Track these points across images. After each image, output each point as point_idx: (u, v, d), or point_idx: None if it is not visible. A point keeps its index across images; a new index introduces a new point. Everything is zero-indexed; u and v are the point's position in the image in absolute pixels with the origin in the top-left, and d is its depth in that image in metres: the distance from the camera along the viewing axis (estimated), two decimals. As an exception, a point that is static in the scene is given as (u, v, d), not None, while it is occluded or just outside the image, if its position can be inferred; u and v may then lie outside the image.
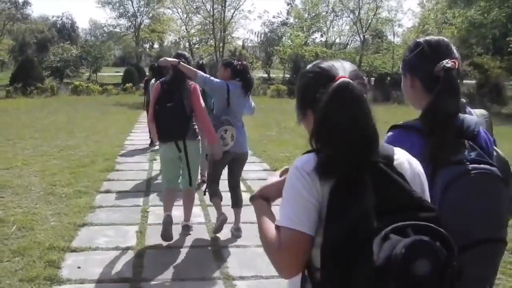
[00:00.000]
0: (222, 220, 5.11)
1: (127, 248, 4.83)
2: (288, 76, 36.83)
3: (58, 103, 22.79)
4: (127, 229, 5.38)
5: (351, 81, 1.39)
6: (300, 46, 38.03)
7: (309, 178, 1.38)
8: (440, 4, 44.26)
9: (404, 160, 1.50)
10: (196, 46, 48.02)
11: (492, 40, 30.39)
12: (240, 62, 5.20)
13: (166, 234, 4.88)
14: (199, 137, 5.19)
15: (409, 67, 2.01)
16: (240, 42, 50.03)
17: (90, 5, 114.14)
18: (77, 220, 5.58)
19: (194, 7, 34.59)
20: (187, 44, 57.02)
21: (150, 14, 47.29)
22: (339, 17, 49.35)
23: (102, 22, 50.84)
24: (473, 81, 49.61)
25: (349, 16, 43.72)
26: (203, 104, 4.94)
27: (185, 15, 51.23)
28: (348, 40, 51.96)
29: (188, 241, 5.15)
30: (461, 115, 1.86)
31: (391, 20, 43.18)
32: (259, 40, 51.12)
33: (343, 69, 1.48)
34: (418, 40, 2.01)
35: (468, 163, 1.70)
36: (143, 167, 8.85)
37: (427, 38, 2.00)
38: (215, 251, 4.90)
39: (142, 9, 46.28)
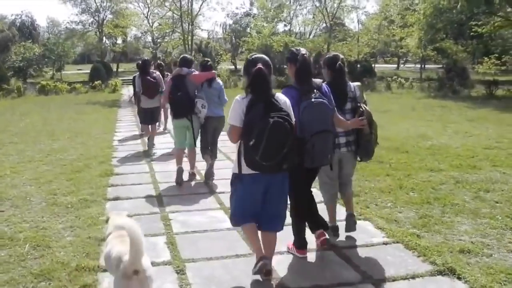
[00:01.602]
0: (210, 167, 7.46)
1: (164, 263, 4.38)
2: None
3: (27, 104, 21.81)
4: (154, 241, 4.90)
5: (262, 67, 3.80)
6: (268, 36, 37.69)
7: (241, 101, 3.82)
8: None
9: (282, 97, 3.90)
10: (166, 39, 47.04)
11: (458, 25, 30.68)
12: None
13: (178, 179, 7.29)
14: (198, 115, 7.28)
15: (289, 59, 4.39)
16: (205, 35, 49.35)
17: (48, 2, 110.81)
18: (96, 234, 5.08)
19: (161, 0, 33.62)
20: (150, 38, 56.04)
21: (113, 9, 45.92)
22: (302, 6, 49.30)
23: (62, 19, 49.35)
24: (435, 66, 50.64)
25: (314, 5, 43.49)
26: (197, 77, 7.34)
27: (147, 9, 50.42)
28: (312, 29, 51.94)
29: (222, 248, 4.73)
30: (315, 80, 4.35)
31: (356, 7, 43.24)
32: (224, 32, 50.48)
33: (260, 59, 3.94)
34: (291, 49, 4.55)
35: (313, 99, 4.13)
36: (143, 169, 8.35)
37: (295, 48, 4.63)
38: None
39: (104, 4, 44.89)
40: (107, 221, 3.90)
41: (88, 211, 5.88)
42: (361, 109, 4.72)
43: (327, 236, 4.70)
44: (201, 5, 33.49)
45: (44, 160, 9.15)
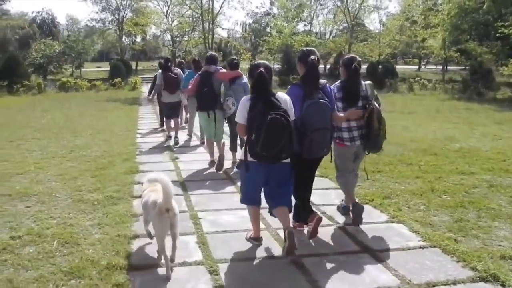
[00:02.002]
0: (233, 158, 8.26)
1: (196, 263, 4.25)
2: (279, 67, 36.20)
3: (48, 101, 21.89)
4: (185, 240, 4.78)
5: (263, 71, 4.39)
6: (289, 36, 37.49)
7: (245, 103, 4.38)
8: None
9: (282, 96, 4.41)
10: (185, 38, 47.08)
11: (484, 26, 30.17)
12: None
13: (219, 167, 7.93)
14: (227, 111, 7.71)
15: (300, 58, 4.87)
16: (225, 34, 49.30)
17: (68, 1, 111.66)
18: (125, 231, 4.99)
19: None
20: (169, 36, 56.18)
21: (133, 7, 46.05)
22: (323, 6, 48.98)
23: (81, 17, 49.71)
24: (458, 67, 49.92)
25: (335, 4, 43.16)
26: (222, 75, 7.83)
27: (166, 8, 50.54)
28: (332, 29, 51.60)
29: (254, 249, 4.61)
30: (321, 80, 4.74)
31: (378, 8, 42.84)
32: (244, 31, 50.40)
33: (262, 64, 4.58)
34: (302, 49, 5.02)
35: (316, 99, 4.53)
36: (167, 166, 8.24)
37: (306, 48, 5.06)
38: (293, 261, 4.36)
39: (125, 2, 44.99)
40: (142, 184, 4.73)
41: (115, 209, 5.79)
42: (371, 106, 5.09)
43: (304, 230, 5.06)
44: (222, 4, 33.51)
45: (67, 156, 9.10)
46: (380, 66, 30.95)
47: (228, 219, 5.50)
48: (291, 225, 4.71)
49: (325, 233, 5.12)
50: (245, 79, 7.64)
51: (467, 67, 50.43)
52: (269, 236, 4.98)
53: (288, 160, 4.44)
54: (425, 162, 8.57)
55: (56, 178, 7.38)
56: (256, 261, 4.36)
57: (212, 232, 5.02)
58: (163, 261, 4.13)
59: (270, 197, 4.64)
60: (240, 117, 4.42)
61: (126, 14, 45.79)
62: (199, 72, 8.18)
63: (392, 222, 5.51)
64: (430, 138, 11.28)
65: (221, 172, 7.86)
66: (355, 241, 4.91)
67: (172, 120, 10.96)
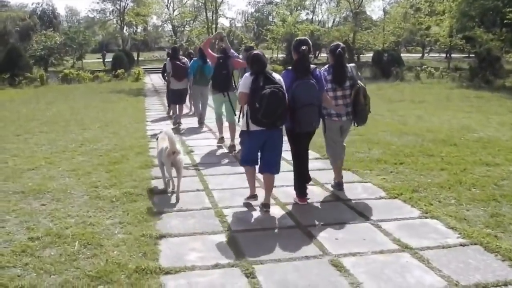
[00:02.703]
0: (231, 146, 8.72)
1: (230, 265, 4.01)
2: (283, 56, 35.82)
3: (51, 93, 21.60)
4: (214, 240, 4.55)
5: (259, 53, 5.48)
6: (292, 25, 37.09)
7: (248, 77, 5.27)
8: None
9: (276, 75, 5.32)
10: (186, 28, 46.60)
11: (494, 13, 29.69)
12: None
13: (220, 142, 9.18)
14: (234, 91, 8.38)
15: (294, 47, 5.61)
16: (227, 23, 48.82)
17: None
18: (150, 231, 4.74)
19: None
20: (170, 26, 55.77)
21: (135, -3, 45.58)
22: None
23: (80, 8, 49.16)
24: (461, 55, 49.49)
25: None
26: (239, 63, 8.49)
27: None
28: (335, 17, 51.11)
29: (288, 248, 4.36)
30: (311, 65, 5.47)
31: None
32: (247, 20, 49.96)
33: (257, 50, 6.10)
34: (296, 39, 5.81)
35: (306, 79, 5.32)
36: (184, 160, 7.98)
37: (299, 38, 5.80)
38: (331, 262, 4.12)
39: (126, -8, 44.52)
40: (156, 138, 6.70)
41: (135, 206, 5.55)
42: (357, 85, 5.90)
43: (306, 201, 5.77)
44: (226, -7, 33.02)
45: (78, 150, 8.85)
46: (386, 55, 30.45)
47: (255, 216, 5.27)
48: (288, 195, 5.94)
49: (358, 230, 4.90)
50: None
51: (471, 55, 50.17)
52: (301, 234, 4.73)
53: (282, 127, 5.41)
54: (446, 153, 8.32)
55: (69, 174, 7.13)
56: (293, 262, 4.11)
57: (241, 231, 4.79)
58: (170, 189, 6.16)
59: (264, 162, 5.48)
60: (244, 87, 5.28)
61: (128, 4, 45.30)
62: (218, 55, 8.85)
63: (425, 217, 5.27)
64: (446, 128, 11.01)
65: (235, 152, 8.43)
66: (391, 239, 4.66)
67: (177, 106, 11.90)
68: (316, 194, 6.11)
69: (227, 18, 45.44)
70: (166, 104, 14.39)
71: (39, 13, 55.93)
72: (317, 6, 48.14)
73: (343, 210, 5.54)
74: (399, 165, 7.59)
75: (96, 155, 8.40)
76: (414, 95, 18.86)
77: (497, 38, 31.81)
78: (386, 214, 5.35)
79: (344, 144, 6.48)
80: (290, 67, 5.60)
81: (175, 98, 11.95)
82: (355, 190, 6.33)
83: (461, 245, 4.51)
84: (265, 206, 5.40)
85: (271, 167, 5.48)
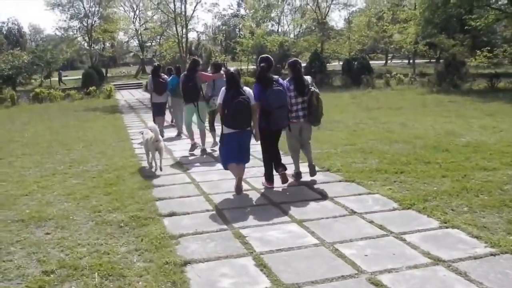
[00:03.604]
0: (213, 140, 10.31)
1: (268, 291, 3.84)
2: (254, 67, 35.79)
3: (24, 113, 20.97)
4: (242, 264, 4.37)
5: (234, 72, 6.76)
6: (261, 36, 37.20)
7: (223, 91, 6.66)
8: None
9: (246, 89, 6.67)
10: (153, 43, 46.17)
11: (458, 20, 30.52)
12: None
13: (191, 150, 10.13)
14: (204, 101, 9.72)
15: (257, 64, 8.43)
16: (195, 36, 48.58)
17: (31, 10, 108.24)
18: (172, 258, 4.51)
19: (156, 3, 32.59)
20: (136, 42, 55.29)
21: (104, 14, 44.80)
22: (290, 6, 48.82)
23: (43, 26, 48.11)
24: (423, 60, 50.50)
25: (306, 3, 43.02)
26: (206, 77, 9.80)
27: (133, 13, 49.54)
28: (300, 28, 51.49)
29: (322, 269, 4.22)
30: (274, 76, 6.90)
31: (348, 5, 43.00)
32: (214, 33, 49.91)
33: (234, 69, 6.94)
34: (260, 56, 7.80)
35: (274, 87, 6.67)
36: (183, 179, 7.78)
37: (261, 56, 7.91)
38: (370, 280, 3.99)
39: (93, 9, 43.74)
40: (141, 133, 8.84)
41: (147, 230, 5.32)
42: (310, 90, 7.08)
43: (287, 173, 7.17)
44: (195, 7, 32.73)
45: (68, 172, 8.53)
46: (355, 63, 30.80)
47: (276, 235, 5.10)
48: (258, 181, 7.38)
49: (384, 244, 4.80)
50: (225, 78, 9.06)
51: (432, 60, 51.32)
52: (330, 253, 4.60)
53: (249, 129, 6.68)
54: (442, 159, 8.35)
55: (66, 198, 6.83)
56: (331, 283, 3.97)
57: (266, 252, 4.62)
58: (153, 169, 8.35)
59: (237, 156, 6.77)
60: (220, 99, 6.64)
61: (95, 21, 44.54)
62: (184, 72, 10.26)
63: (446, 227, 5.21)
64: (432, 134, 11.12)
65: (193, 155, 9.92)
66: (420, 252, 4.58)
67: (160, 117, 12.94)
68: (329, 209, 6.01)
69: (197, 32, 45.05)
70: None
71: (4, 32, 54.62)
72: (282, 17, 48.36)
73: (362, 224, 5.43)
74: (399, 174, 7.57)
75: (89, 176, 8.11)
76: (390, 102, 19.07)
77: (460, 44, 32.66)
78: (405, 226, 5.28)
79: (309, 142, 7.57)
80: (256, 81, 7.08)
81: (157, 110, 12.94)
82: (366, 202, 6.25)
83: (491, 254, 4.46)
84: (238, 189, 6.83)
85: (244, 159, 6.90)
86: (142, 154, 9.93)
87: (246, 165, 7.08)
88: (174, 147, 10.97)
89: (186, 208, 6.13)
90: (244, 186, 7.03)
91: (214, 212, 6.01)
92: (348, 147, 9.82)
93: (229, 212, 5.99)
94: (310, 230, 5.23)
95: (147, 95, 29.13)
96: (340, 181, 7.40)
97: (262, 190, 7.04)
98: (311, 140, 7.61)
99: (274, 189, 7.03)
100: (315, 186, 7.10)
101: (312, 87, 7.10)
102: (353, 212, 5.87)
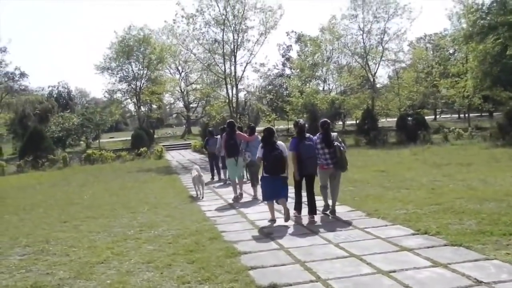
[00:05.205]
0: (254, 193, 11.66)
1: None
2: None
3: (78, 174, 20.96)
4: None
5: (268, 131, 8.75)
6: (311, 95, 37.14)
7: (260, 147, 8.82)
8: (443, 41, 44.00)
9: (280, 143, 8.75)
10: (199, 104, 46.69)
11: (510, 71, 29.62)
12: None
13: (235, 200, 11.43)
14: (242, 156, 11.56)
15: (294, 125, 10.65)
16: (242, 96, 49.00)
17: (78, 74, 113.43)
18: None
19: (206, 64, 33.07)
20: (182, 103, 56.14)
21: (152, 76, 45.90)
22: (335, 64, 48.76)
23: (88, 90, 49.55)
24: (475, 114, 49.14)
25: (356, 61, 42.93)
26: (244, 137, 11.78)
27: (179, 75, 50.54)
28: (347, 85, 51.16)
29: None
30: (307, 134, 8.90)
31: (399, 61, 42.67)
32: (262, 93, 50.32)
33: (268, 128, 8.98)
34: (296, 120, 10.38)
35: (306, 142, 8.68)
36: (270, 246, 7.07)
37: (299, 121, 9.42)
38: None
39: (142, 72, 44.85)
40: (191, 173, 12.72)
41: (252, 307, 4.62)
42: (335, 144, 8.68)
43: (315, 219, 8.56)
44: (245, 67, 32.94)
45: (141, 237, 7.98)
46: (410, 118, 29.99)
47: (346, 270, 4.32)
48: (291, 211, 8.67)
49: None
50: (259, 138, 10.22)
51: (483, 114, 49.91)
52: None
53: (282, 175, 8.47)
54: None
55: (147, 267, 6.24)
56: None
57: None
58: (199, 197, 11.95)
59: (273, 195, 8.55)
60: (259, 154, 8.61)
61: (143, 84, 45.56)
62: (225, 132, 12.05)
63: None
64: (521, 191, 10.16)
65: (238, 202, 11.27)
66: None
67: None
68: (448, 278, 5.20)
69: (247, 92, 45.42)
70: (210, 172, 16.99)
71: (55, 95, 56.58)
72: (329, 75, 48.30)
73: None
74: (508, 235, 6.72)
75: (165, 242, 7.53)
76: (456, 158, 18.07)
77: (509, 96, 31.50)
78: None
79: (339, 187, 9.19)
80: (294, 136, 8.87)
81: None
82: (488, 270, 5.43)
83: None
84: (286, 218, 8.51)
85: (280, 195, 8.49)
86: (215, 217, 9.40)
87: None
88: (247, 210, 10.23)
89: (286, 279, 5.42)
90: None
91: (318, 283, 5.27)
92: (435, 207, 8.99)
93: (337, 283, 5.25)
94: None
95: (197, 156, 29.36)
96: (445, 245, 6.57)
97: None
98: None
99: (377, 255, 6.27)
100: (419, 252, 6.29)
101: (337, 142, 8.76)
102: (478, 282, 5.05)
